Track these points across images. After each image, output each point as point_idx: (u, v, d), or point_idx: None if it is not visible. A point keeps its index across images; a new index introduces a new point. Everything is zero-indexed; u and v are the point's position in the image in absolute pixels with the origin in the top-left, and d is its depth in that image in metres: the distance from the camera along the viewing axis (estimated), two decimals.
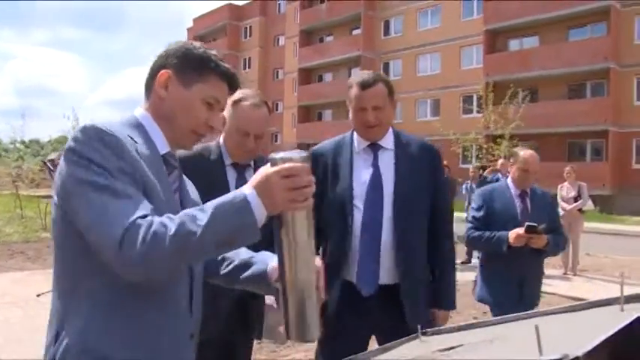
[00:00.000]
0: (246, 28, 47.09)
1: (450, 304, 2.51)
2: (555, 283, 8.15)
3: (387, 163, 2.44)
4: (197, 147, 2.30)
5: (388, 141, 2.48)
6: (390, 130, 2.51)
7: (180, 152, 2.11)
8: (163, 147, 1.43)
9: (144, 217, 1.19)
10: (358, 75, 2.46)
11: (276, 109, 43.97)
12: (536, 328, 0.77)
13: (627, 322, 0.81)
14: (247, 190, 1.21)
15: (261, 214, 1.20)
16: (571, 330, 1.08)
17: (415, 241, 2.41)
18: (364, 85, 2.37)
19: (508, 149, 17.33)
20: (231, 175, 2.39)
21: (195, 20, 52.29)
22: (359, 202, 2.39)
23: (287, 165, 1.20)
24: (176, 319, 1.36)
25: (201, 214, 1.18)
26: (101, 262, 1.21)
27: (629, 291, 1.23)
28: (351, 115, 2.46)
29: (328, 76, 39.07)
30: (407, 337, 1.38)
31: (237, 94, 2.29)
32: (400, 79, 32.32)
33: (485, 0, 28.46)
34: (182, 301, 1.39)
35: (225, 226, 1.17)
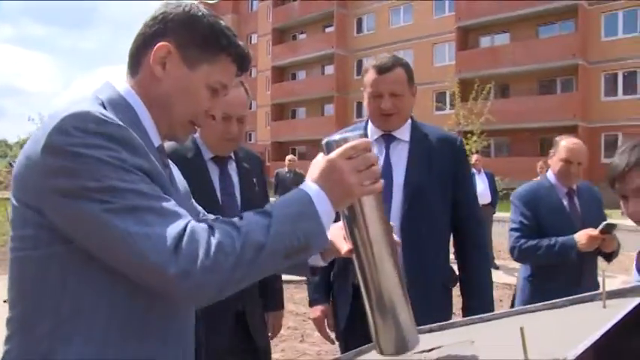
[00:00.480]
0: None
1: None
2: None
3: (400, 155, 2.21)
4: (170, 144, 2.14)
5: (404, 132, 2.24)
6: (409, 121, 2.28)
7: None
8: (155, 138, 1.16)
9: (189, 222, 0.97)
10: (375, 58, 2.22)
11: (250, 108, 43.65)
12: (521, 330, 0.72)
13: (614, 321, 0.76)
14: (310, 186, 1.03)
15: (329, 212, 1.02)
16: (554, 329, 1.04)
17: (429, 242, 2.15)
18: (381, 70, 2.14)
19: (478, 144, 17.52)
20: (213, 171, 2.17)
21: None
22: None
23: (350, 144, 1.04)
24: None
25: (264, 219, 0.99)
26: (113, 291, 1.00)
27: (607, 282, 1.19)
28: (365, 101, 2.24)
29: (302, 74, 38.98)
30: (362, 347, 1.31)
31: None
32: None
33: None
34: (189, 334, 1.20)
35: (294, 234, 0.98)
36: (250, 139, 42.54)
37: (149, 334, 1.07)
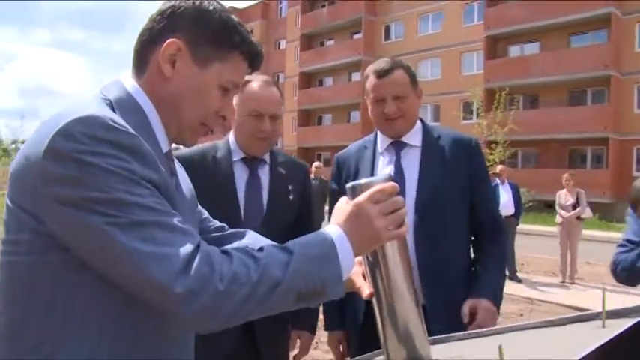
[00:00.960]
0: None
1: (490, 294, 1.95)
2: (553, 291, 8.05)
3: (412, 162, 2.10)
4: (203, 145, 2.12)
5: (415, 138, 2.14)
6: (419, 125, 2.17)
7: (179, 152, 1.95)
8: (164, 143, 1.09)
9: (200, 243, 0.94)
10: (374, 63, 2.14)
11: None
12: (500, 348, 0.68)
13: (600, 343, 0.72)
14: (333, 230, 1.00)
15: (349, 260, 0.99)
16: (543, 348, 0.99)
17: (446, 255, 2.01)
18: (381, 73, 2.07)
19: (502, 154, 17.30)
20: (242, 172, 2.10)
21: None
22: None
23: (377, 187, 1.03)
24: None
25: (284, 255, 0.95)
26: (110, 308, 0.96)
27: (628, 300, 1.13)
28: (370, 109, 2.15)
29: (329, 80, 39.04)
30: (370, 354, 1.27)
31: None
32: None
33: (487, 6, 28.43)
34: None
35: (311, 277, 0.95)
36: (277, 144, 42.66)
37: (142, 345, 1.03)
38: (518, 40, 28.41)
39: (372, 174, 2.09)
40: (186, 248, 0.91)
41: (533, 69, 26.26)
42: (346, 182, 2.01)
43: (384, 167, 2.12)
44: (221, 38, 1.09)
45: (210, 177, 1.98)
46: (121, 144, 0.92)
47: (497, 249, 2.12)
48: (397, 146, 2.13)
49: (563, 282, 8.97)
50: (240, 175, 2.10)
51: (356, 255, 1.01)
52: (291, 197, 2.16)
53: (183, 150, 2.02)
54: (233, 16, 1.12)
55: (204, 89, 1.08)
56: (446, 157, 2.07)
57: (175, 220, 0.95)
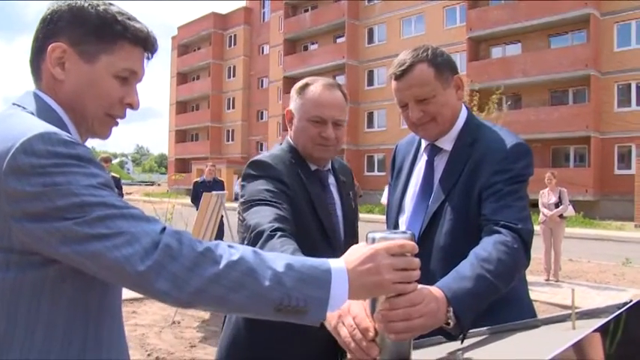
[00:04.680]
0: (231, 36, 47.04)
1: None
2: (537, 289, 8.09)
3: (439, 168, 1.81)
4: (274, 155, 1.90)
5: (448, 141, 1.81)
6: (460, 123, 1.81)
7: (270, 158, 1.81)
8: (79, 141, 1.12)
9: (165, 229, 0.99)
10: (397, 58, 1.80)
11: (261, 118, 43.96)
12: (458, 356, 0.67)
13: (567, 345, 0.71)
14: (337, 262, 1.03)
15: (342, 295, 1.00)
16: (514, 351, 0.99)
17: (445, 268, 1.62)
18: (397, 74, 1.75)
19: None
20: (316, 187, 1.90)
21: (179, 29, 52.08)
22: (403, 221, 1.84)
23: (398, 242, 1.06)
24: None
25: (278, 264, 0.99)
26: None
27: (611, 297, 1.13)
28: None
29: None
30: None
31: (303, 81, 1.93)
32: (385, 86, 32.37)
33: (469, 8, 28.65)
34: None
35: (295, 291, 0.97)
36: (261, 149, 42.63)
37: (113, 349, 1.11)
38: (500, 42, 28.67)
39: (410, 174, 1.90)
40: (150, 231, 0.96)
41: (515, 70, 26.51)
42: (398, 173, 1.96)
43: (419, 174, 1.86)
44: (102, 31, 1.11)
45: (304, 189, 1.83)
46: (79, 156, 0.98)
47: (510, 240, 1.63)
48: (431, 150, 1.86)
49: (547, 280, 9.04)
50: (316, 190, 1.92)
51: (355, 295, 1.03)
52: (353, 204, 2.04)
53: (265, 156, 1.89)
54: (112, 7, 1.14)
55: (98, 83, 1.12)
56: (469, 165, 1.71)
57: (137, 212, 1.00)
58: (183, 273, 0.94)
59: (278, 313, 0.98)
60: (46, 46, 1.11)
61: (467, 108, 1.87)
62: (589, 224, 20.53)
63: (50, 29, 1.11)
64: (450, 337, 1.25)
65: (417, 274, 1.07)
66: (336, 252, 1.82)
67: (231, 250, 0.99)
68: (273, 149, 1.97)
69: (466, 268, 1.38)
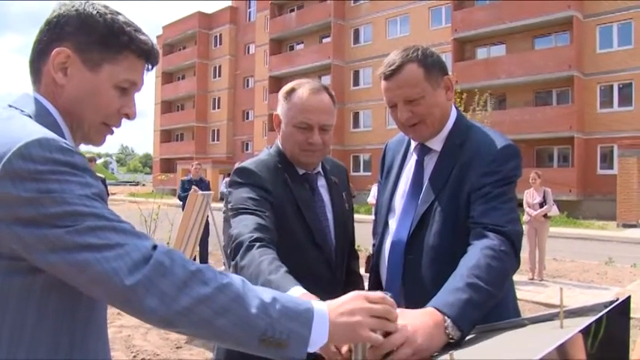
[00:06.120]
0: (216, 36, 46.84)
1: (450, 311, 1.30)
2: (522, 288, 8.16)
3: (428, 169, 1.80)
4: (260, 160, 1.90)
5: (438, 141, 1.80)
6: (450, 123, 1.80)
7: (255, 165, 1.82)
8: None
9: (157, 246, 0.99)
10: (387, 58, 1.78)
11: (247, 118, 43.83)
12: (451, 355, 0.67)
13: (553, 347, 0.72)
14: (320, 304, 1.04)
15: (322, 336, 1.01)
16: (503, 350, 0.99)
17: (435, 275, 1.64)
18: (387, 74, 1.73)
19: None
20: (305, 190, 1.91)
21: (164, 28, 51.73)
22: (393, 221, 1.83)
23: (382, 294, 1.07)
24: None
25: (266, 295, 1.00)
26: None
27: (594, 295, 1.14)
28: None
29: None
30: None
31: (289, 85, 1.89)
32: (371, 87, 32.49)
33: (454, 9, 28.83)
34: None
35: (280, 325, 0.97)
36: (247, 149, 42.53)
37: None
38: (485, 43, 28.88)
39: (400, 174, 1.89)
40: (141, 247, 0.96)
41: (499, 70, 26.73)
42: (388, 173, 1.94)
43: (409, 174, 1.85)
44: (108, 41, 1.11)
45: (287, 198, 1.82)
46: (75, 164, 0.97)
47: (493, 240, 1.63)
48: (420, 150, 1.85)
49: (531, 279, 9.12)
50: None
51: (334, 337, 1.02)
52: (347, 206, 2.02)
53: (250, 162, 1.89)
54: (120, 17, 1.14)
55: (99, 92, 1.11)
56: (457, 167, 1.70)
57: (129, 226, 1.00)
58: (173, 291, 0.94)
59: (261, 343, 0.97)
60: (49, 49, 1.10)
61: (456, 109, 1.86)
62: (572, 224, 20.75)
63: (56, 33, 1.10)
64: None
65: (394, 326, 1.08)
66: (327, 255, 1.85)
67: (221, 275, 0.99)
68: (262, 153, 1.97)
69: (457, 280, 1.37)
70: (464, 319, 1.24)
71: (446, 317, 1.23)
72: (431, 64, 1.73)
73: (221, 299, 0.96)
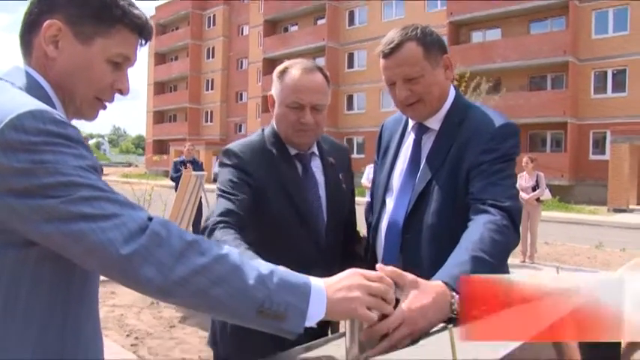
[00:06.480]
0: (210, 17, 46.44)
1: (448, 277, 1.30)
2: (514, 271, 8.18)
3: (426, 148, 1.79)
4: (249, 140, 1.92)
5: (436, 120, 1.79)
6: (449, 102, 1.79)
7: (239, 147, 1.83)
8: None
9: (152, 218, 0.98)
10: (386, 37, 1.75)
11: (240, 99, 43.64)
12: (450, 330, 0.68)
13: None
14: (316, 280, 1.04)
15: (319, 309, 1.01)
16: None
17: (432, 254, 1.64)
18: (385, 52, 1.71)
19: None
20: (298, 169, 1.90)
21: (157, 8, 51.23)
22: (391, 199, 1.82)
23: (381, 274, 1.08)
24: None
25: (265, 267, 1.00)
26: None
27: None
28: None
29: None
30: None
31: (283, 65, 1.87)
32: (365, 69, 32.40)
33: None
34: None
35: (278, 296, 0.97)
36: (240, 130, 42.42)
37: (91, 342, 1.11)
38: (480, 27, 28.80)
39: (398, 153, 1.88)
40: (137, 217, 0.96)
41: (495, 55, 26.70)
42: (385, 152, 1.93)
43: (406, 153, 1.84)
44: (101, 14, 1.09)
45: (274, 176, 1.82)
46: (70, 136, 0.96)
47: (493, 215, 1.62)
48: (418, 129, 1.83)
49: (523, 262, 9.22)
50: (297, 173, 1.91)
51: (331, 312, 1.02)
52: (344, 186, 2.00)
53: (236, 144, 1.89)
54: None
55: (92, 66, 1.09)
56: (455, 145, 1.70)
57: (124, 198, 0.99)
58: (170, 260, 0.93)
59: (259, 315, 0.97)
60: (40, 21, 1.07)
61: (455, 88, 1.85)
62: (564, 208, 20.93)
63: (47, 4, 1.08)
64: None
65: (390, 309, 1.07)
66: (315, 235, 1.84)
67: (218, 246, 0.99)
68: (253, 134, 1.97)
69: (462, 254, 1.38)
70: None
71: (453, 293, 1.22)
72: (430, 43, 1.72)
73: (218, 269, 0.96)
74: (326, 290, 1.02)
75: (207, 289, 0.95)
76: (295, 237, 1.80)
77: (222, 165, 1.84)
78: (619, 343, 1.10)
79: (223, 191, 1.73)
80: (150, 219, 0.97)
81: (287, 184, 1.82)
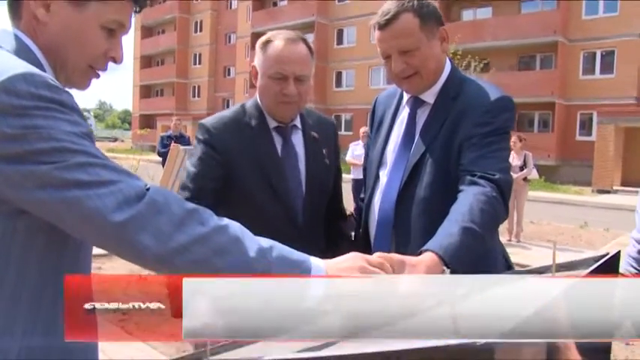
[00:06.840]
0: None
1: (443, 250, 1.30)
2: None
3: (420, 122, 1.78)
4: (232, 111, 1.91)
5: (431, 94, 1.76)
6: (444, 76, 1.76)
7: (212, 121, 1.83)
8: None
9: (149, 186, 0.97)
10: (381, 8, 1.72)
11: (228, 74, 43.20)
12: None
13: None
14: (316, 259, 1.03)
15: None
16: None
17: (424, 227, 1.63)
18: (381, 24, 1.67)
19: None
20: (277, 142, 1.87)
21: None
22: (385, 173, 1.81)
23: (386, 261, 1.09)
24: None
25: (266, 242, 1.00)
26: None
27: (568, 258, 1.16)
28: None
29: None
30: None
31: (266, 36, 1.85)
32: (354, 46, 32.14)
33: None
34: None
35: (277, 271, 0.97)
36: (228, 106, 41.75)
37: None
38: (471, 4, 28.62)
39: (392, 127, 1.85)
40: (135, 185, 0.93)
41: (485, 33, 26.58)
42: (379, 126, 1.90)
43: (401, 127, 1.82)
44: None
45: (251, 147, 1.81)
46: (63, 102, 0.93)
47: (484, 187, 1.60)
48: (413, 103, 1.81)
49: (509, 240, 9.31)
50: (277, 145, 1.88)
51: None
52: (327, 161, 1.96)
53: (210, 118, 1.88)
54: None
55: (85, 31, 1.04)
56: (450, 119, 1.68)
57: (119, 166, 0.98)
58: (169, 228, 0.91)
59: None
60: None
61: (451, 61, 1.83)
62: (550, 188, 21.13)
63: None
64: None
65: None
66: (293, 212, 1.82)
67: (219, 218, 0.98)
68: (232, 107, 1.97)
69: (452, 225, 1.38)
70: (458, 264, 1.26)
71: (444, 267, 1.24)
72: (426, 14, 1.68)
73: (219, 240, 0.94)
74: (326, 271, 1.01)
75: (208, 258, 0.93)
76: (269, 213, 1.78)
77: (196, 140, 1.87)
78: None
79: (189, 170, 1.81)
80: (148, 188, 0.95)
81: (262, 157, 1.81)
